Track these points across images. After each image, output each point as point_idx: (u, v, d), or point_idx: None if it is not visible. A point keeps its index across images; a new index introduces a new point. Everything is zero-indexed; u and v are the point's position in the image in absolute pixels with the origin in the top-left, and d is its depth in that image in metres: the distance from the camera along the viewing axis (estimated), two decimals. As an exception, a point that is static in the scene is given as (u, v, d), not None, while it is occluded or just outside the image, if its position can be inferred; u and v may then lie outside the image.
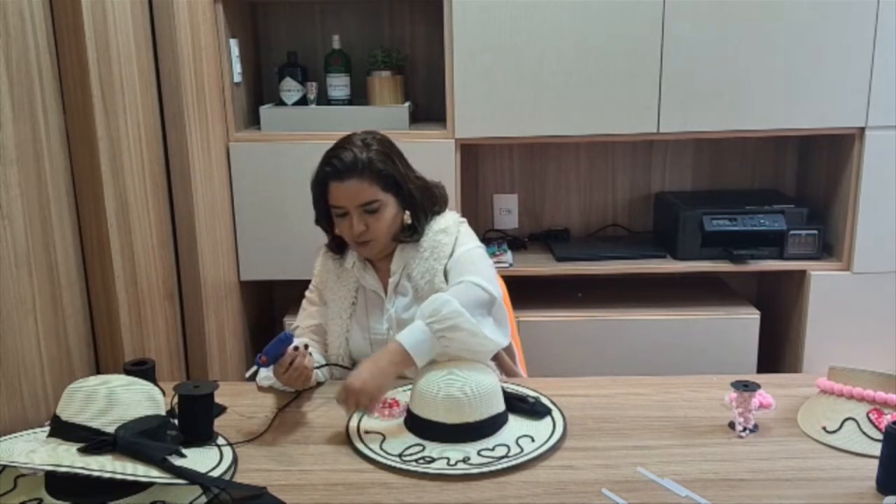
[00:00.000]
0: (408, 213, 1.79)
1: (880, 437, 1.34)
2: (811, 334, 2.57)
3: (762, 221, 2.55)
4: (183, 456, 1.32)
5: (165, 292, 2.12)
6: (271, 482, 1.33)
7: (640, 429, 1.53)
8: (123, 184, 1.90)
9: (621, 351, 2.57)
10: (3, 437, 1.44)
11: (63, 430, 1.28)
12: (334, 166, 1.73)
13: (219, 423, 1.53)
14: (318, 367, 1.74)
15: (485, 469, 1.37)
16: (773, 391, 1.59)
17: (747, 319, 2.59)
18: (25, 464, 1.21)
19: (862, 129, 2.46)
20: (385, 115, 2.52)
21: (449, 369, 1.50)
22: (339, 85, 2.63)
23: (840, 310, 2.55)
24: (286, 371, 1.59)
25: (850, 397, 1.48)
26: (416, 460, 1.40)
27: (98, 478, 1.19)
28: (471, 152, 2.84)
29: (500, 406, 1.51)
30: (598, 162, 2.91)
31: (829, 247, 2.63)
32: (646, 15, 2.39)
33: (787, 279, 2.70)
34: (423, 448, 1.44)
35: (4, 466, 1.32)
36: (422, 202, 1.81)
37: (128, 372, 1.49)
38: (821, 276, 2.55)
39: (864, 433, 1.43)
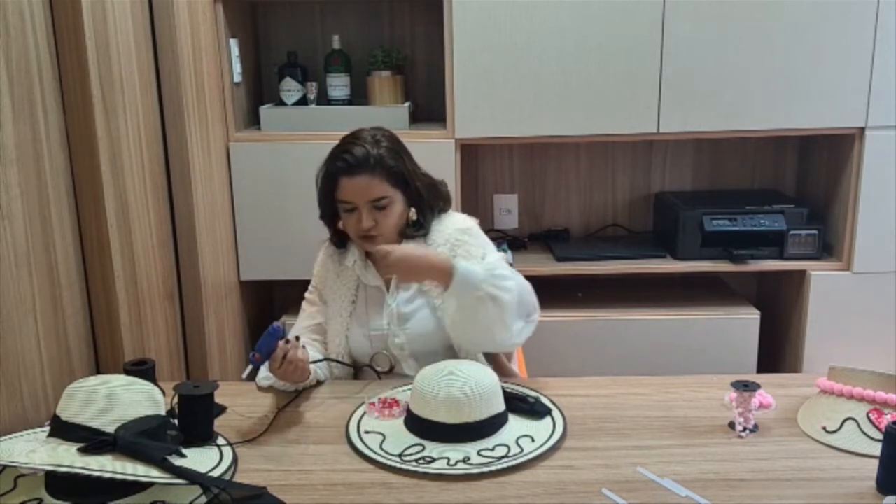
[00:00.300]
0: (413, 209, 1.81)
1: (880, 437, 1.34)
2: (811, 334, 2.57)
3: (762, 221, 2.55)
4: (183, 456, 1.32)
5: (165, 292, 2.12)
6: (271, 482, 1.33)
7: (640, 429, 1.53)
8: (123, 184, 1.90)
9: (621, 351, 2.57)
10: (3, 437, 1.44)
11: (63, 430, 1.28)
12: (346, 161, 1.73)
13: (219, 423, 1.53)
14: (315, 362, 1.74)
15: (485, 469, 1.37)
16: (773, 391, 1.59)
17: (747, 319, 2.59)
18: (25, 464, 1.21)
19: (862, 129, 2.46)
20: (385, 115, 2.52)
21: (449, 369, 1.49)
22: (339, 85, 2.63)
23: (840, 310, 2.55)
24: (281, 365, 1.58)
25: (850, 397, 1.48)
26: (416, 460, 1.40)
27: (98, 478, 1.19)
28: (471, 152, 2.84)
29: (500, 406, 1.51)
30: (598, 162, 2.91)
31: (829, 247, 2.63)
32: (646, 15, 2.39)
33: (787, 279, 2.70)
34: (423, 448, 1.44)
35: (4, 466, 1.32)
36: (428, 199, 1.83)
37: (128, 372, 1.49)
38: (821, 276, 2.55)
39: (864, 433, 1.43)
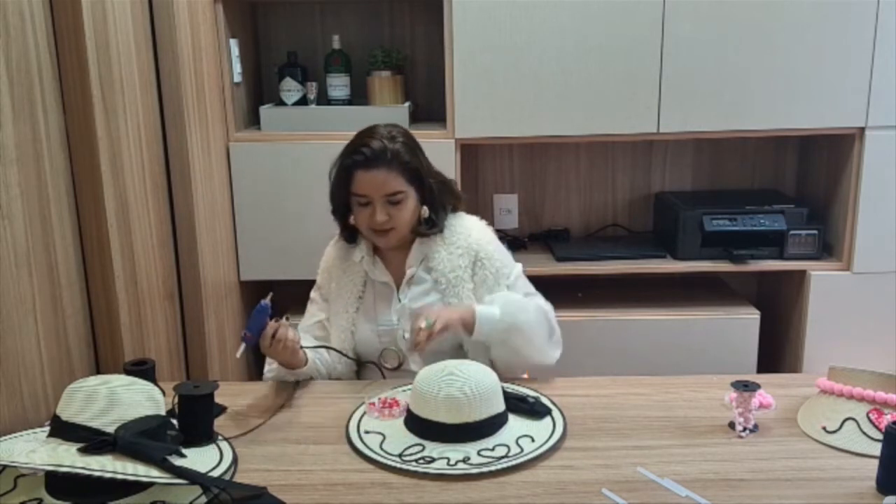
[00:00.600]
0: (425, 207, 1.82)
1: (880, 437, 1.34)
2: (811, 334, 2.57)
3: (762, 221, 2.55)
4: (183, 456, 1.32)
5: (165, 292, 2.12)
6: (271, 482, 1.33)
7: (640, 429, 1.53)
8: (123, 184, 1.91)
9: (621, 351, 2.57)
10: (3, 437, 1.44)
11: (63, 430, 1.28)
12: (363, 154, 1.74)
13: (219, 423, 1.53)
14: (310, 348, 1.78)
15: (485, 469, 1.37)
16: (773, 391, 1.59)
17: (747, 319, 2.59)
18: (26, 464, 1.21)
19: (862, 129, 2.46)
20: (385, 115, 2.50)
21: (449, 369, 1.49)
22: (339, 85, 2.63)
23: (840, 310, 2.55)
24: (271, 344, 1.63)
25: (850, 397, 1.48)
26: (416, 460, 1.40)
27: (98, 478, 1.19)
28: (471, 152, 2.84)
29: (500, 406, 1.51)
30: (598, 162, 2.91)
31: (829, 247, 2.63)
32: (646, 15, 2.39)
33: (787, 279, 2.70)
34: (423, 448, 1.44)
35: (4, 466, 1.32)
36: (440, 197, 1.85)
37: (128, 372, 1.49)
38: (821, 276, 2.55)
39: (864, 433, 1.43)
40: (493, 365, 1.74)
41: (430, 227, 1.84)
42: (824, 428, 1.47)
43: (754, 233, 2.55)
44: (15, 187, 1.58)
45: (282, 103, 2.65)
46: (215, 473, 1.33)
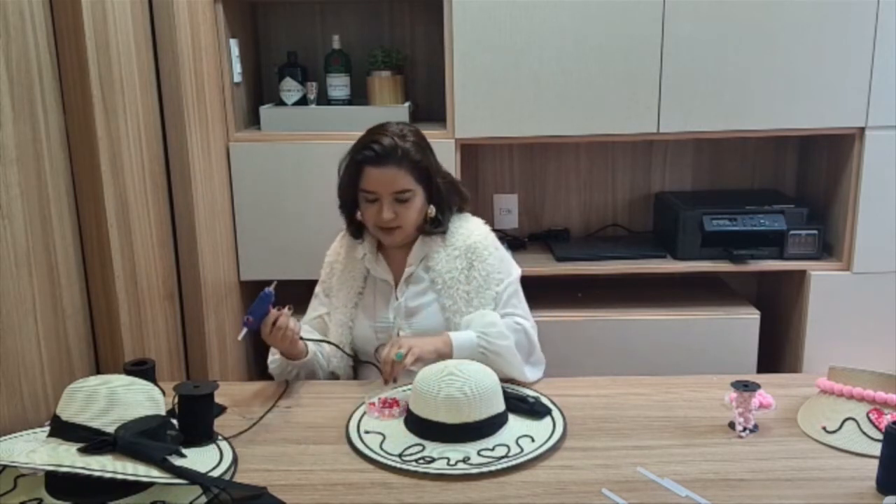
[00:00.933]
0: (432, 206, 1.83)
1: (880, 437, 1.34)
2: (811, 334, 2.57)
3: (762, 221, 2.55)
4: (183, 456, 1.32)
5: (165, 292, 2.12)
6: (271, 482, 1.33)
7: (640, 429, 1.53)
8: (123, 184, 1.91)
9: (621, 351, 2.57)
10: (3, 437, 1.44)
11: (63, 430, 1.28)
12: (374, 150, 1.75)
13: (219, 423, 1.53)
14: (311, 340, 1.80)
15: (485, 469, 1.37)
16: (773, 391, 1.59)
17: (747, 319, 2.59)
18: (26, 464, 1.21)
19: (862, 129, 2.46)
20: (385, 115, 2.50)
21: (449, 370, 1.49)
22: (339, 85, 2.63)
23: (840, 310, 2.55)
24: (271, 331, 1.65)
25: (850, 397, 1.48)
26: (416, 460, 1.41)
27: (98, 478, 1.19)
28: (471, 152, 2.84)
29: (500, 406, 1.51)
30: (598, 162, 2.91)
31: (829, 247, 2.63)
32: (646, 15, 2.39)
33: (787, 279, 2.70)
34: (423, 448, 1.44)
35: (4, 466, 1.32)
36: (447, 197, 1.86)
37: (128, 372, 1.49)
38: (821, 276, 2.55)
39: (864, 433, 1.43)
40: None
41: (435, 226, 1.84)
42: (824, 428, 1.47)
43: (754, 233, 2.55)
44: (15, 187, 1.58)
45: (282, 103, 2.65)
46: (215, 473, 1.34)
